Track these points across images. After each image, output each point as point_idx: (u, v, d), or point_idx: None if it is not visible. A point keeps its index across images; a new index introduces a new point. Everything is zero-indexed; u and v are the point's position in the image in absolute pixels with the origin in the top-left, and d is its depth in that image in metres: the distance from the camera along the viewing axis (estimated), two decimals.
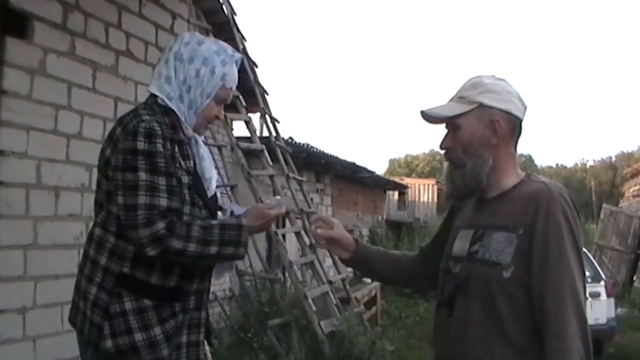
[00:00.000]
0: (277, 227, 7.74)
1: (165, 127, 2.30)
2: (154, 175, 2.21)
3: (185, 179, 2.33)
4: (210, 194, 2.49)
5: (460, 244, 2.14)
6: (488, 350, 1.97)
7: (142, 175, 2.20)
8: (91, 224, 2.47)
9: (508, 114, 2.08)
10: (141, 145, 2.21)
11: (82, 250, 2.48)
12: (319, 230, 2.39)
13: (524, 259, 1.94)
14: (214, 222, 2.33)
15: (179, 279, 2.34)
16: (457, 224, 2.25)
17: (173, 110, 2.38)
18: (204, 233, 2.25)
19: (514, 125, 2.11)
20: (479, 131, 2.08)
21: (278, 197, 8.02)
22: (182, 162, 2.34)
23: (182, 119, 2.40)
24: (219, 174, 8.28)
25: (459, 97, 2.14)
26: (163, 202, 2.21)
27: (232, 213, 2.56)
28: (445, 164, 2.23)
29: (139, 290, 2.29)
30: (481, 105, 2.08)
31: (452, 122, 2.12)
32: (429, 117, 2.15)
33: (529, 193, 2.02)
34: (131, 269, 2.29)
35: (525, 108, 2.14)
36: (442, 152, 2.19)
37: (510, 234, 1.98)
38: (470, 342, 2.00)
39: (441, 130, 2.18)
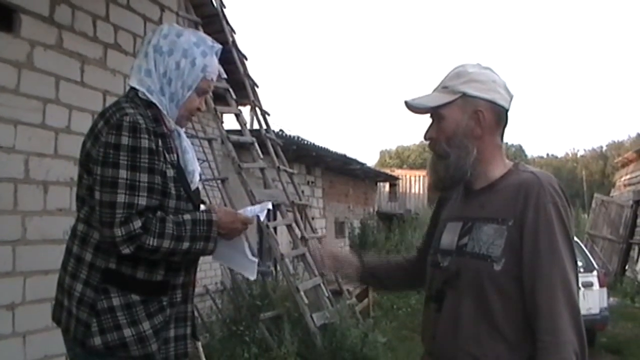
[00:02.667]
0: (269, 220, 7.73)
1: (149, 121, 2.28)
2: (135, 172, 2.19)
3: (170, 172, 2.32)
4: (193, 186, 2.47)
5: (449, 237, 2.10)
6: (480, 347, 1.93)
7: (123, 173, 2.18)
8: None
9: (493, 103, 2.04)
10: (125, 140, 2.19)
11: None
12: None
13: (514, 252, 1.90)
14: (186, 217, 2.31)
15: (165, 272, 2.33)
16: (444, 217, 2.22)
17: (155, 104, 2.36)
18: (177, 229, 2.25)
19: (499, 115, 2.06)
20: (462, 122, 2.04)
21: (269, 190, 8.06)
22: (166, 155, 2.32)
23: (164, 112, 2.38)
24: (209, 167, 8.27)
25: (443, 87, 2.10)
26: (142, 201, 2.20)
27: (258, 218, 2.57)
28: (430, 155, 2.19)
29: (126, 286, 2.28)
30: (465, 95, 2.04)
31: (436, 113, 2.08)
32: (413, 107, 2.11)
33: (518, 183, 1.98)
34: (117, 265, 2.27)
35: (511, 97, 2.09)
36: (427, 142, 2.16)
37: (500, 225, 1.94)
38: (461, 338, 1.96)
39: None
